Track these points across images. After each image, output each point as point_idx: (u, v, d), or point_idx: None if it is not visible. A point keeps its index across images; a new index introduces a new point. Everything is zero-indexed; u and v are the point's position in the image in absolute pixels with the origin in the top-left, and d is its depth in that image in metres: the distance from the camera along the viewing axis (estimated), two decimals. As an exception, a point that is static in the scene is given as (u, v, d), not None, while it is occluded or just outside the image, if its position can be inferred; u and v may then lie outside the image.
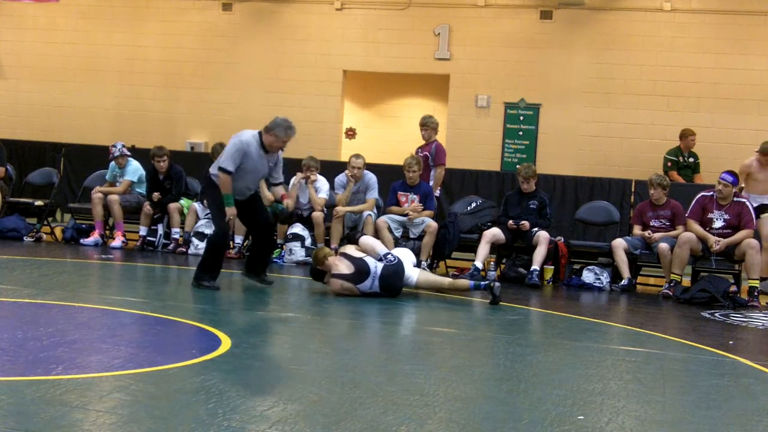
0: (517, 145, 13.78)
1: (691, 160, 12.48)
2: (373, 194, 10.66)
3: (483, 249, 10.00)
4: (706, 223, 9.59)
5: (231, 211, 7.97)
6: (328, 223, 10.55)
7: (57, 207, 12.66)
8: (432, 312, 8.06)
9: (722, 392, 5.41)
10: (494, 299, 8.17)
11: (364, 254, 8.34)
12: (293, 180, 10.54)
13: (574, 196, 11.54)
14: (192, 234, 10.79)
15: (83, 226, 11.46)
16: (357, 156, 10.67)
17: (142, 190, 11.32)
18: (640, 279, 10.50)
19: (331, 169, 11.23)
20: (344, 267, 8.11)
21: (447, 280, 8.70)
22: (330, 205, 10.70)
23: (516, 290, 9.39)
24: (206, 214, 10.87)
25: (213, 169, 8.08)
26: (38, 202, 11.95)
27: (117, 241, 10.96)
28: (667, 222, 9.95)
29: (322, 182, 10.78)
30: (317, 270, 8.36)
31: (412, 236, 10.32)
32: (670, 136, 12.80)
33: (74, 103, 15.21)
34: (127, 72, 15.13)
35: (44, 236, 11.50)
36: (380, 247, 8.54)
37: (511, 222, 10.07)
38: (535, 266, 9.79)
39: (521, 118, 13.77)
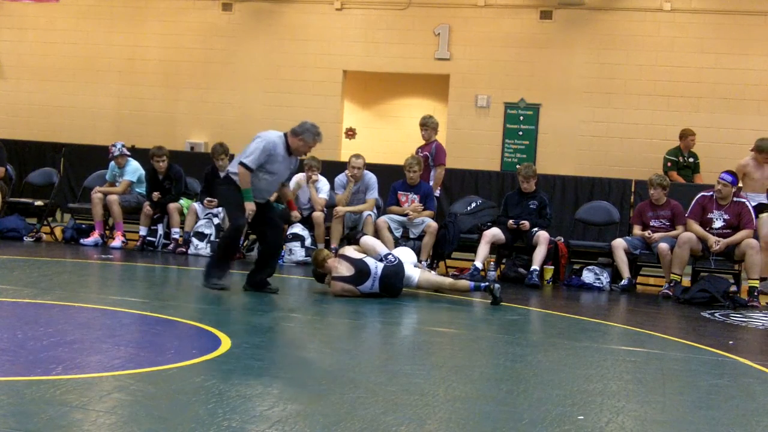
0: (517, 145, 13.78)
1: (691, 160, 12.49)
2: (373, 194, 10.67)
3: (483, 249, 10.01)
4: (705, 223, 9.59)
5: (250, 206, 7.67)
6: (328, 223, 10.55)
7: (57, 207, 12.66)
8: (432, 312, 8.06)
9: (722, 392, 5.41)
10: (495, 300, 8.17)
11: (364, 255, 8.33)
12: (295, 179, 10.53)
13: (574, 196, 11.54)
14: (192, 234, 10.79)
15: (83, 226, 11.47)
16: (357, 156, 10.67)
17: (141, 190, 11.32)
18: (640, 279, 10.51)
19: (331, 169, 11.23)
20: (344, 269, 8.10)
21: (448, 281, 8.70)
22: (330, 205, 10.70)
23: (516, 290, 9.39)
24: (206, 214, 10.88)
25: (232, 167, 7.84)
26: (38, 202, 11.96)
27: (117, 241, 10.96)
28: (667, 222, 9.95)
29: (322, 182, 10.79)
30: (319, 274, 8.35)
31: (412, 236, 10.33)
32: (670, 136, 12.81)
33: (74, 103, 15.21)
34: (127, 72, 15.13)
35: (44, 236, 11.51)
36: (381, 248, 8.54)
37: (510, 222, 10.07)
38: (535, 266, 9.79)
39: (521, 118, 13.77)
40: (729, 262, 9.79)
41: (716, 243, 9.39)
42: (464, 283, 8.63)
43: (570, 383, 5.32)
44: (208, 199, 10.84)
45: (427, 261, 10.08)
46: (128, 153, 11.43)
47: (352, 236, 10.23)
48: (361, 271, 8.07)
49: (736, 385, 5.67)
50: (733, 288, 9.56)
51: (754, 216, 9.63)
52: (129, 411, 4.19)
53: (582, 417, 4.53)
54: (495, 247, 10.33)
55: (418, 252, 10.06)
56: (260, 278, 7.89)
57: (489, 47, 13.85)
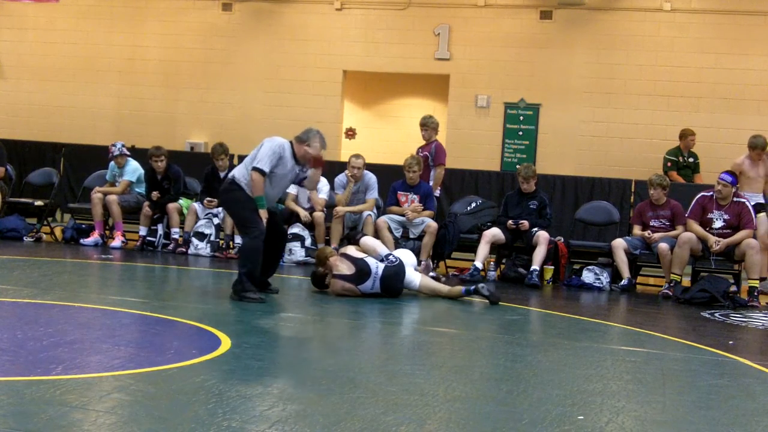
0: (517, 145, 13.78)
1: (691, 160, 12.49)
2: (373, 194, 10.67)
3: (483, 249, 10.01)
4: (706, 223, 9.59)
5: (264, 214, 7.58)
6: (328, 223, 10.55)
7: (57, 207, 12.66)
8: (432, 312, 8.06)
9: (722, 392, 5.41)
10: (489, 298, 8.16)
11: (365, 255, 8.33)
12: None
13: (574, 196, 11.55)
14: (192, 234, 10.79)
15: (83, 226, 11.47)
16: (357, 156, 10.67)
17: (141, 190, 11.32)
18: (640, 279, 10.51)
19: (331, 169, 11.19)
20: (345, 268, 8.10)
21: (446, 288, 8.62)
22: (330, 205, 10.70)
23: (516, 290, 9.39)
24: (206, 214, 10.88)
25: (239, 175, 7.69)
26: (38, 202, 11.96)
27: (117, 241, 10.96)
28: (666, 222, 9.95)
29: (322, 182, 10.77)
30: (318, 277, 8.31)
31: (411, 236, 10.33)
32: (670, 136, 12.81)
33: (74, 103, 15.21)
34: (127, 72, 15.12)
35: (44, 236, 11.51)
36: (381, 248, 8.54)
37: (510, 222, 10.07)
38: (535, 266, 9.79)
39: (521, 118, 13.77)
40: (729, 262, 9.79)
41: (716, 243, 9.39)
42: (458, 289, 8.58)
43: (570, 383, 5.32)
44: (208, 199, 10.84)
45: (427, 260, 10.08)
46: (128, 153, 11.43)
47: (351, 236, 10.22)
48: (362, 271, 8.07)
49: (736, 385, 5.67)
50: (733, 288, 9.56)
51: (754, 216, 9.63)
52: (129, 411, 4.19)
53: (582, 417, 4.53)
54: (495, 247, 10.33)
55: (418, 252, 10.07)
56: (261, 279, 7.87)
57: (489, 47, 13.85)
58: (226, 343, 5.78)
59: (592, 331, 7.43)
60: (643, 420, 4.60)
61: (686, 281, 9.83)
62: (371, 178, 10.70)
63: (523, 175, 10.25)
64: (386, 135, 15.59)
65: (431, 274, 9.50)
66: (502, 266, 10.46)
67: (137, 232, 11.17)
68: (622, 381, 5.55)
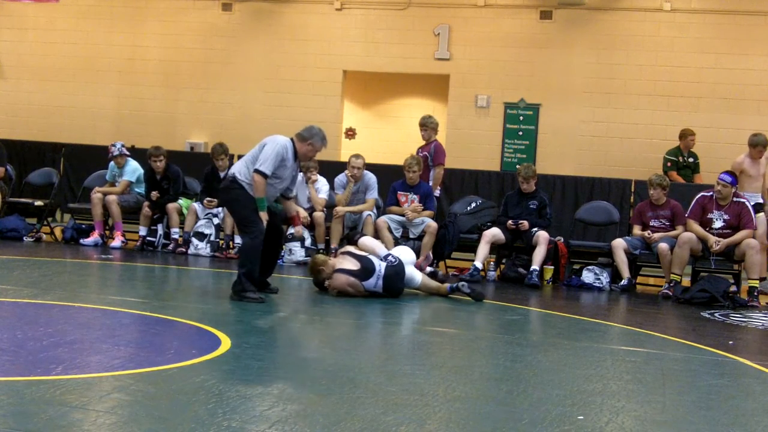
0: (517, 145, 13.78)
1: (691, 160, 12.49)
2: (373, 194, 10.67)
3: (483, 249, 10.01)
4: (705, 224, 9.60)
5: (264, 216, 7.60)
6: (328, 223, 10.55)
7: (57, 207, 12.66)
8: (432, 312, 8.06)
9: (722, 392, 5.41)
10: (472, 297, 8.17)
11: (367, 254, 8.33)
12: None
13: (574, 196, 11.55)
14: (192, 234, 10.79)
15: (83, 226, 11.47)
16: (357, 156, 10.67)
17: (141, 190, 11.31)
18: (639, 279, 10.51)
19: (331, 169, 11.23)
20: (349, 263, 8.07)
21: (435, 285, 8.63)
22: (330, 205, 10.70)
23: (516, 290, 9.39)
24: (206, 214, 10.88)
25: (239, 174, 7.68)
26: (38, 202, 11.96)
27: (117, 241, 10.97)
28: (666, 222, 9.95)
29: (321, 182, 10.79)
30: (320, 282, 8.28)
31: (411, 236, 10.33)
32: (670, 136, 12.81)
33: (74, 103, 15.21)
34: (127, 72, 15.12)
35: (44, 236, 11.51)
36: (380, 249, 8.53)
37: (510, 222, 10.07)
38: (535, 266, 9.79)
39: (521, 118, 13.77)
40: (729, 262, 9.80)
41: (716, 243, 9.39)
42: (444, 286, 8.58)
43: (570, 383, 5.32)
44: (208, 199, 10.84)
45: (428, 252, 10.07)
46: (128, 153, 11.43)
47: (350, 237, 10.22)
48: (367, 268, 8.05)
49: (736, 385, 5.67)
50: (733, 288, 9.56)
51: (753, 216, 9.63)
52: (129, 411, 4.19)
53: (582, 417, 4.53)
54: (495, 247, 10.33)
55: (418, 252, 10.06)
56: (260, 279, 7.87)
57: (489, 47, 13.85)
58: (226, 343, 5.78)
59: (592, 331, 7.43)
60: (643, 420, 4.60)
61: (686, 281, 9.83)
62: (371, 178, 10.71)
63: (523, 175, 10.25)
64: (386, 135, 15.60)
65: (428, 269, 9.47)
66: (502, 266, 10.47)
67: (137, 232, 11.17)
68: (622, 381, 5.55)
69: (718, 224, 9.54)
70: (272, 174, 7.60)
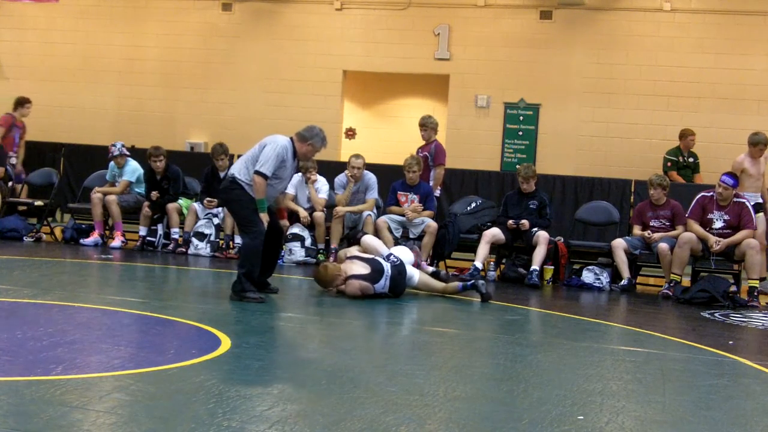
0: (517, 145, 13.78)
1: (691, 160, 12.49)
2: (373, 194, 10.67)
3: (483, 249, 10.01)
4: (706, 224, 9.59)
5: (264, 217, 7.58)
6: (328, 223, 10.55)
7: (57, 207, 12.66)
8: (432, 312, 8.06)
9: (722, 392, 5.41)
10: (482, 297, 8.18)
11: (371, 255, 8.32)
12: (294, 179, 10.57)
13: (574, 196, 11.55)
14: (192, 234, 10.78)
15: (83, 226, 11.47)
16: (357, 156, 10.67)
17: (141, 190, 11.31)
18: (639, 279, 10.51)
19: (331, 169, 11.23)
20: (360, 268, 8.03)
21: (440, 285, 8.64)
22: (330, 205, 10.70)
23: (516, 290, 9.39)
24: (206, 214, 10.88)
25: (239, 174, 7.65)
26: (38, 202, 11.96)
27: (117, 241, 10.96)
28: (666, 222, 9.95)
29: (322, 182, 10.79)
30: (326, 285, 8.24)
31: (411, 236, 10.33)
32: (670, 136, 12.80)
33: (74, 103, 15.21)
34: (127, 72, 15.12)
35: (44, 236, 11.51)
36: (382, 248, 8.54)
37: (510, 221, 10.07)
38: (535, 266, 9.79)
39: (521, 118, 13.77)
40: (729, 262, 9.80)
41: (716, 243, 9.39)
42: (453, 285, 8.59)
43: (570, 383, 5.32)
44: (208, 199, 10.84)
45: (427, 261, 10.08)
46: (128, 153, 11.43)
47: (352, 236, 10.23)
48: (376, 270, 8.03)
49: (736, 385, 5.67)
50: (733, 288, 9.56)
51: (754, 216, 9.63)
52: (129, 411, 4.19)
53: (582, 417, 4.53)
54: (495, 247, 10.33)
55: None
56: (260, 279, 7.87)
57: (489, 47, 13.84)
58: (226, 343, 5.78)
59: (592, 331, 7.43)
60: (643, 420, 4.60)
61: (686, 281, 9.83)
62: (371, 178, 10.71)
63: (523, 175, 10.25)
64: (386, 135, 15.59)
65: (430, 268, 9.46)
66: (502, 266, 10.46)
67: (137, 232, 11.17)
68: (622, 381, 5.55)
69: (718, 224, 9.54)
70: (273, 175, 7.60)
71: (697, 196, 9.76)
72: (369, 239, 8.70)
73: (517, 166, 11.15)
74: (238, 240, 10.65)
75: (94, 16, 15.26)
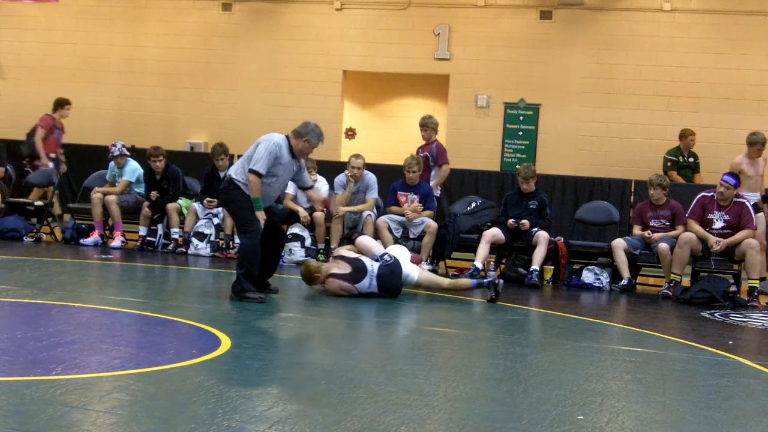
0: (517, 145, 13.78)
1: (691, 160, 12.49)
2: (373, 194, 10.67)
3: (483, 249, 10.00)
4: (706, 224, 9.59)
5: (261, 215, 7.57)
6: (328, 223, 10.55)
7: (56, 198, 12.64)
8: (432, 312, 8.06)
9: (722, 392, 5.41)
10: (497, 296, 8.19)
11: (360, 254, 8.34)
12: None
13: (574, 196, 11.55)
14: (192, 234, 10.78)
15: (83, 226, 11.47)
16: (357, 156, 10.67)
17: (141, 190, 11.31)
18: (639, 279, 10.51)
19: (331, 169, 11.23)
20: (340, 267, 8.10)
21: (447, 281, 8.69)
22: (330, 205, 10.69)
23: (516, 290, 9.39)
24: (206, 214, 10.88)
25: (236, 174, 7.65)
26: (38, 202, 11.96)
27: (117, 242, 10.96)
28: (666, 222, 9.95)
29: (321, 182, 10.78)
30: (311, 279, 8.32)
31: (411, 236, 10.33)
32: (670, 136, 12.81)
33: (74, 103, 15.13)
34: (127, 72, 15.12)
35: (44, 236, 11.51)
36: (377, 248, 8.53)
37: (511, 221, 10.07)
38: (535, 266, 9.78)
39: (521, 118, 13.77)
40: (729, 262, 9.79)
41: (717, 243, 9.39)
42: (465, 281, 8.62)
43: (570, 383, 5.31)
44: (208, 199, 10.84)
45: (427, 261, 10.08)
46: (128, 153, 11.43)
47: (349, 236, 10.23)
48: (358, 269, 8.06)
49: (736, 385, 5.67)
50: (733, 288, 9.56)
51: (754, 216, 9.64)
52: (129, 411, 4.19)
53: (582, 417, 4.53)
54: (495, 247, 10.33)
55: (418, 252, 10.07)
56: (260, 279, 7.87)
57: (489, 47, 13.85)
58: (226, 343, 5.78)
59: (592, 331, 7.43)
60: (643, 420, 4.60)
61: (686, 281, 9.83)
62: (371, 178, 10.71)
63: (523, 175, 10.24)
64: (386, 135, 15.59)
65: (426, 266, 9.47)
66: (502, 266, 10.46)
67: (137, 232, 11.17)
68: (622, 381, 5.55)
69: (718, 224, 9.54)
70: (267, 173, 7.59)
71: (698, 196, 9.76)
72: (364, 239, 8.69)
73: (517, 166, 11.15)
74: (237, 240, 10.64)
75: (94, 16, 15.26)
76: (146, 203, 11.03)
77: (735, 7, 13.10)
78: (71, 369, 4.88)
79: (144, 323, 6.53)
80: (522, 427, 4.30)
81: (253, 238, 7.58)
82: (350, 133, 15.49)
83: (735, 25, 13.13)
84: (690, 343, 6.93)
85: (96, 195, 11.17)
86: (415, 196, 10.40)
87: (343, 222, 10.43)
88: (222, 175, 10.54)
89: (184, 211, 11.03)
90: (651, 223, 9.99)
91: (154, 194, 11.02)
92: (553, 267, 10.17)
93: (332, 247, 10.27)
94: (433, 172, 10.87)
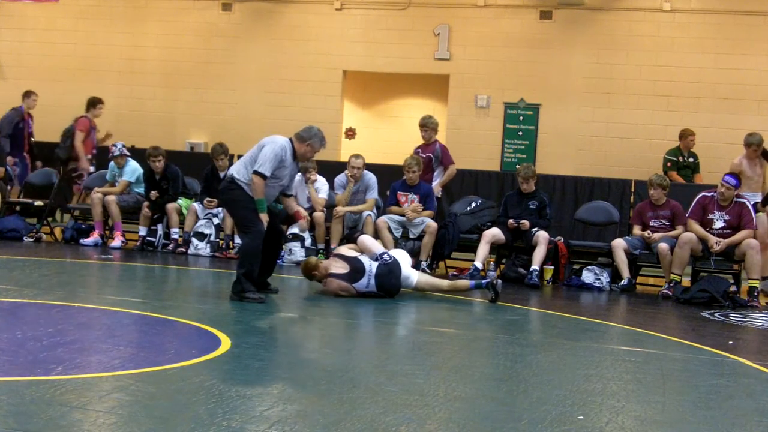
0: (517, 145, 13.78)
1: (691, 160, 12.49)
2: (373, 194, 10.67)
3: (483, 249, 10.00)
4: (706, 224, 9.59)
5: (264, 217, 7.58)
6: (328, 224, 10.55)
7: (57, 207, 12.65)
8: (432, 312, 8.06)
9: (722, 392, 5.41)
10: (496, 296, 8.19)
11: (359, 253, 8.34)
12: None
13: (574, 196, 11.55)
14: (192, 234, 10.78)
15: (83, 226, 11.47)
16: (357, 156, 10.67)
17: (140, 190, 11.31)
18: (639, 279, 10.51)
19: (330, 169, 11.23)
20: (339, 267, 8.11)
21: (446, 282, 8.69)
22: (330, 205, 10.70)
23: (516, 290, 9.39)
24: (206, 214, 10.87)
25: (238, 174, 7.66)
26: (38, 202, 11.96)
27: (116, 242, 10.96)
28: (666, 222, 9.95)
29: (321, 182, 10.79)
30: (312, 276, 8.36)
31: (411, 236, 10.33)
32: (670, 136, 12.81)
33: (74, 103, 15.15)
34: (127, 72, 15.12)
35: (44, 236, 11.51)
36: (377, 248, 8.53)
37: (511, 221, 10.07)
38: (535, 266, 9.78)
39: (521, 118, 13.77)
40: (729, 262, 9.79)
41: (717, 243, 9.39)
42: (464, 282, 8.64)
43: (570, 383, 5.31)
44: (208, 199, 10.84)
45: (426, 261, 10.08)
46: (128, 153, 11.43)
47: (350, 235, 10.22)
48: (356, 269, 8.07)
49: (736, 385, 5.67)
50: (733, 288, 9.56)
51: (754, 216, 9.63)
52: (129, 411, 4.19)
53: (582, 417, 4.53)
54: (495, 247, 10.33)
55: (417, 252, 10.08)
56: (260, 279, 7.87)
57: (489, 47, 13.85)
58: (225, 343, 5.78)
59: (592, 331, 7.43)
60: (643, 420, 4.60)
61: (686, 281, 9.83)
62: (371, 178, 10.71)
63: (523, 175, 10.24)
64: (386, 135, 15.59)
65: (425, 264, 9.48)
66: (502, 266, 10.46)
67: (137, 232, 11.17)
68: (622, 381, 5.55)
69: (718, 225, 9.53)
70: (271, 175, 7.61)
71: (698, 196, 9.76)
72: (365, 239, 8.70)
73: (517, 166, 11.15)
74: (238, 240, 10.63)
75: (94, 16, 15.26)
76: (146, 203, 11.04)
77: (735, 7, 13.10)
78: (71, 369, 4.87)
79: (144, 323, 6.53)
80: (522, 427, 4.30)
81: (255, 239, 7.58)
82: (350, 133, 15.49)
83: (735, 25, 13.13)
84: (690, 343, 6.92)
85: (96, 195, 11.17)
86: (415, 196, 10.40)
87: (343, 222, 10.43)
88: (222, 175, 10.55)
89: (184, 211, 11.03)
90: (651, 223, 9.99)
91: (153, 194, 11.02)
92: (553, 267, 10.17)
93: (332, 247, 10.27)
94: (436, 173, 10.88)
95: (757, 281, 9.37)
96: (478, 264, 9.89)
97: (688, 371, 6.04)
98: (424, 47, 14.05)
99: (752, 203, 9.92)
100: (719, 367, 6.14)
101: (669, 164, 12.35)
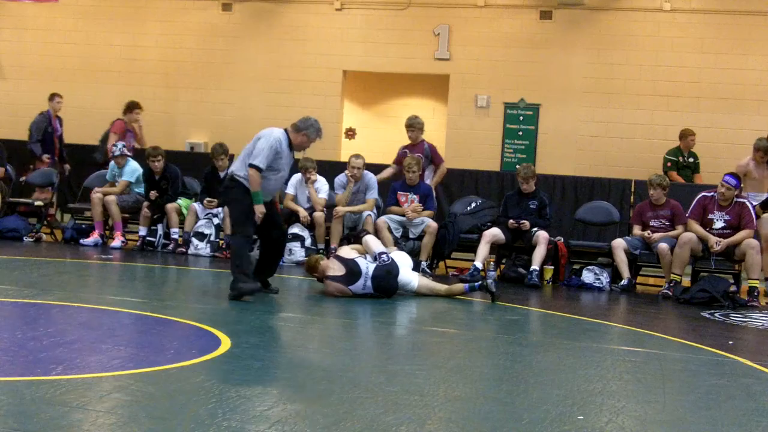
0: (516, 145, 13.78)
1: (691, 160, 12.49)
2: (373, 194, 10.67)
3: (483, 249, 10.00)
4: (706, 224, 9.59)
5: (260, 209, 7.61)
6: (328, 223, 10.55)
7: (57, 207, 12.65)
8: (431, 312, 8.06)
9: (722, 392, 5.41)
10: (492, 296, 8.19)
11: (357, 255, 8.35)
12: (294, 179, 10.61)
13: (574, 196, 11.54)
14: (192, 234, 10.78)
15: (83, 226, 11.47)
16: (357, 156, 10.67)
17: (140, 190, 11.31)
18: (639, 279, 10.51)
19: (330, 169, 11.23)
20: (336, 269, 8.12)
21: (444, 287, 8.66)
22: (330, 205, 10.70)
23: (516, 290, 9.39)
24: (206, 214, 10.87)
25: (238, 171, 7.70)
26: (38, 202, 11.96)
27: (116, 242, 10.96)
28: (666, 222, 9.95)
29: (321, 182, 10.79)
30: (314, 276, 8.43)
31: (411, 236, 10.33)
32: (670, 136, 12.81)
33: (74, 103, 15.18)
34: (127, 72, 15.12)
35: (44, 236, 11.51)
36: (378, 248, 8.53)
37: (512, 221, 10.06)
38: (535, 266, 9.78)
39: (521, 118, 13.77)
40: (729, 262, 9.79)
41: (717, 243, 9.39)
42: (458, 286, 8.63)
43: (570, 383, 5.32)
44: (208, 199, 10.84)
45: (426, 261, 10.08)
46: (128, 153, 11.43)
47: (354, 234, 10.22)
48: (352, 271, 8.08)
49: (736, 385, 5.67)
50: (733, 288, 9.56)
51: (754, 216, 9.63)
52: (129, 411, 4.19)
53: (582, 417, 4.53)
54: (495, 247, 10.32)
55: (417, 252, 10.08)
56: (261, 279, 7.88)
57: (489, 47, 13.84)
58: (225, 343, 5.79)
59: (592, 331, 7.43)
60: (643, 420, 4.60)
61: (686, 281, 9.83)
62: (371, 178, 10.71)
63: (523, 176, 10.24)
64: (386, 135, 15.57)
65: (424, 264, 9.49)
66: (502, 266, 10.46)
67: (137, 233, 11.17)
68: (622, 381, 5.55)
69: (718, 225, 9.53)
70: (268, 167, 7.65)
71: (698, 196, 9.76)
72: (370, 239, 8.72)
73: (517, 166, 11.15)
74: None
75: (94, 16, 15.26)
76: (146, 203, 11.03)
77: (735, 7, 13.09)
78: (71, 369, 4.88)
79: (144, 323, 6.53)
80: (522, 427, 4.30)
81: (240, 243, 7.66)
82: (350, 133, 15.49)
83: (735, 25, 13.12)
84: (690, 343, 6.93)
85: (96, 195, 11.17)
86: (415, 196, 10.40)
87: (343, 222, 10.43)
88: (222, 175, 10.56)
89: (184, 211, 11.03)
90: (651, 223, 9.99)
91: (153, 194, 11.02)
92: (553, 267, 10.16)
93: (332, 247, 10.27)
94: (427, 172, 10.88)
95: (757, 281, 9.36)
96: (478, 264, 9.89)
97: (688, 371, 6.04)
98: (424, 47, 14.05)
99: (754, 204, 9.93)
100: (719, 367, 6.14)
101: (669, 164, 12.35)
